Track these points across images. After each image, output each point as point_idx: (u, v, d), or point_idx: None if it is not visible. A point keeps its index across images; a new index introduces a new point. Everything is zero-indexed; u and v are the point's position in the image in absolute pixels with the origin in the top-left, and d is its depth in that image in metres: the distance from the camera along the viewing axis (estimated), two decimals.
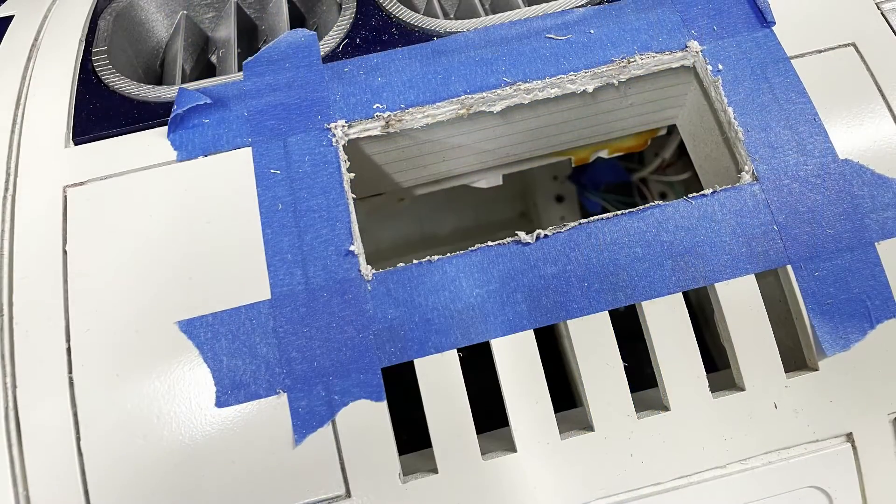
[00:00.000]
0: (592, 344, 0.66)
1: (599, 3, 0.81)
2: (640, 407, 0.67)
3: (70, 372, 0.64)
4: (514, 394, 0.66)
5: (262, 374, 0.64)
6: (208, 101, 0.74)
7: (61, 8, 0.92)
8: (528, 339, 0.66)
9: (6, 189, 0.72)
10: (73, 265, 0.68)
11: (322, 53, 0.79)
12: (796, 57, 0.75)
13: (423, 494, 0.64)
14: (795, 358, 0.70)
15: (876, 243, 0.68)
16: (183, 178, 0.71)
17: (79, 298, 0.66)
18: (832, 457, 0.67)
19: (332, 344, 0.64)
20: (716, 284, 0.67)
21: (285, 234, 0.68)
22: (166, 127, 0.74)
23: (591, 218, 0.69)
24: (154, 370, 0.64)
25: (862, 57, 0.75)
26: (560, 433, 0.66)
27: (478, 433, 0.65)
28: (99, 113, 0.77)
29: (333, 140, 0.72)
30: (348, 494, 0.63)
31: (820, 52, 0.76)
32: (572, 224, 0.68)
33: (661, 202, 0.69)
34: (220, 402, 0.63)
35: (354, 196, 0.70)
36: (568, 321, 0.66)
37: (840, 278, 0.68)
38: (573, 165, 1.01)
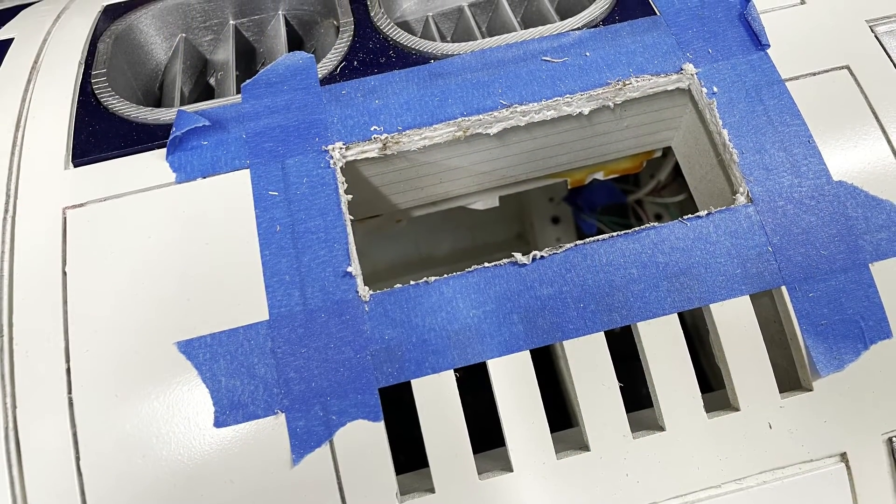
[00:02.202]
0: (588, 364, 0.67)
1: (595, 27, 0.82)
2: (636, 427, 0.67)
3: (70, 392, 0.64)
4: (510, 414, 0.66)
5: (261, 394, 0.64)
6: (207, 123, 0.74)
7: (61, 31, 0.92)
8: (524, 359, 0.66)
9: (6, 210, 0.72)
10: (73, 286, 0.68)
11: (320, 76, 0.80)
12: (791, 79, 0.76)
13: None
14: (790, 378, 0.71)
15: (870, 264, 0.68)
16: (182, 199, 0.71)
17: (78, 319, 0.66)
18: (826, 476, 0.67)
19: (330, 364, 0.65)
20: (711, 305, 0.68)
21: (283, 256, 0.68)
22: (165, 149, 0.74)
23: (587, 239, 0.69)
24: (153, 390, 0.64)
25: (856, 79, 0.76)
26: (556, 453, 0.66)
27: (474, 453, 0.65)
28: (98, 135, 0.77)
29: (331, 162, 0.72)
30: None
31: (814, 74, 0.76)
32: (568, 245, 0.69)
33: (656, 224, 0.70)
34: (219, 423, 0.63)
35: (352, 217, 0.71)
36: (564, 342, 0.67)
37: (834, 299, 0.68)
38: (569, 187, 1.01)
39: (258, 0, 0.99)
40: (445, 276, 0.68)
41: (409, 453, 0.74)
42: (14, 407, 0.63)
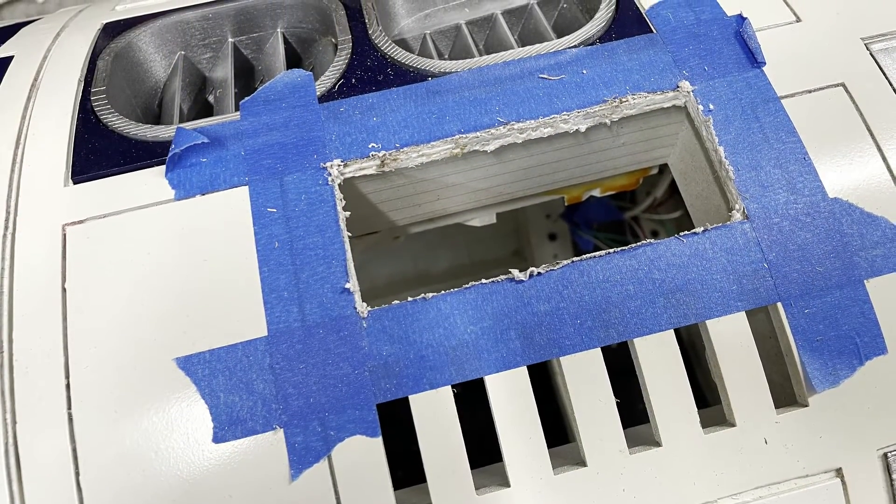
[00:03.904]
0: (585, 380, 0.67)
1: (592, 44, 0.82)
2: (632, 442, 0.68)
3: (69, 408, 0.64)
4: (507, 429, 0.66)
5: (259, 410, 0.64)
6: (206, 140, 0.74)
7: (61, 48, 0.93)
8: (521, 375, 0.66)
9: (6, 227, 0.72)
10: (72, 303, 0.68)
11: (318, 93, 0.80)
12: (786, 97, 0.76)
13: None
14: (785, 394, 0.71)
15: (865, 281, 0.69)
16: (180, 216, 0.71)
17: (78, 335, 0.66)
18: (822, 492, 0.67)
19: (328, 380, 0.65)
20: (707, 321, 0.68)
21: (282, 272, 0.68)
22: (164, 166, 0.74)
23: (584, 256, 0.69)
24: (152, 406, 0.64)
25: (851, 97, 0.76)
26: (553, 468, 0.66)
27: (472, 468, 0.65)
28: (98, 152, 0.77)
29: (329, 179, 0.72)
30: None
31: (810, 91, 0.77)
32: (565, 262, 0.69)
33: (652, 240, 0.70)
34: (218, 438, 0.63)
35: (350, 234, 0.71)
36: (561, 358, 0.67)
37: (830, 316, 0.68)
38: (566, 204, 1.01)
39: (257, 18, 0.99)
40: (443, 292, 0.68)
41: (406, 469, 0.74)
42: (14, 423, 0.64)
